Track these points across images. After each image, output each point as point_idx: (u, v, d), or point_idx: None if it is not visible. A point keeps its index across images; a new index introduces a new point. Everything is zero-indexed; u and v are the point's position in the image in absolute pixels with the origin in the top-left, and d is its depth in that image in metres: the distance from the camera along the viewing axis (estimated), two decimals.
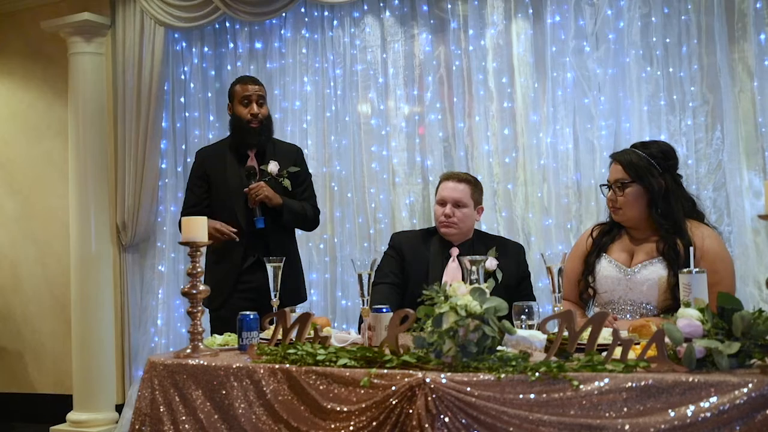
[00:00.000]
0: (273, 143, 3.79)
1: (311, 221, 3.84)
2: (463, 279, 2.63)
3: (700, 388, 1.79)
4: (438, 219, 3.34)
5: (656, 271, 2.86)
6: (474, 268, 2.35)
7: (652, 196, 2.89)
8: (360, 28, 4.63)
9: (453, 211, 3.29)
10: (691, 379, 1.81)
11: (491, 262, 3.21)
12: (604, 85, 4.07)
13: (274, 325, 2.47)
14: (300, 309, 3.58)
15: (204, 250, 2.95)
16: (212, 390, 2.30)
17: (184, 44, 5.09)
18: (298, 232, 3.98)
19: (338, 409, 2.07)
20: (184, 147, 5.08)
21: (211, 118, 5.02)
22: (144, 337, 5.06)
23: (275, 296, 2.77)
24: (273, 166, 3.68)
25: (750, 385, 1.76)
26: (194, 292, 2.52)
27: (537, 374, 1.90)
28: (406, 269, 3.33)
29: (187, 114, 5.07)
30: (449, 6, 4.43)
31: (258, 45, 4.92)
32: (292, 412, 2.15)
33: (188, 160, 4.91)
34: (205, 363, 2.35)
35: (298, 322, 2.38)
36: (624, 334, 2.22)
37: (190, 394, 2.32)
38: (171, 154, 5.10)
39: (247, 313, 2.55)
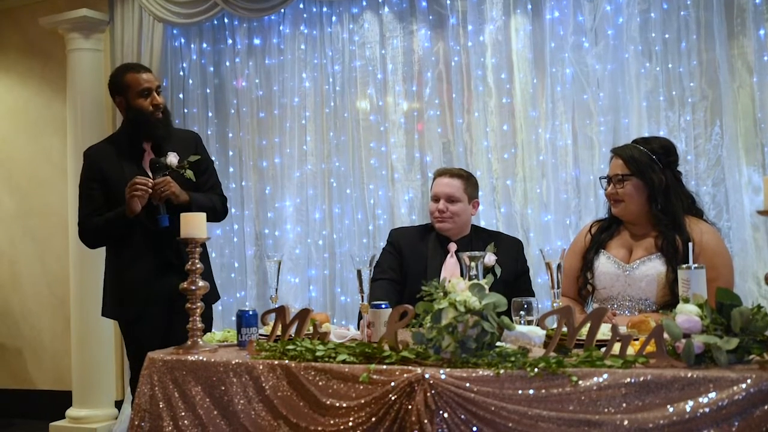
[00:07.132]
0: (169, 132, 3.39)
1: (220, 213, 3.51)
2: (461, 275, 2.63)
3: (698, 384, 1.79)
4: (432, 215, 3.38)
5: (655, 267, 2.86)
6: (473, 263, 2.35)
7: (652, 191, 2.89)
8: (358, 24, 4.63)
9: (446, 206, 3.33)
10: (689, 375, 1.81)
11: (490, 258, 3.21)
12: (603, 80, 4.06)
13: (273, 321, 2.48)
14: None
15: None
16: (211, 386, 2.30)
17: (182, 40, 5.08)
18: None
19: (337, 404, 2.07)
20: None
21: (210, 114, 5.01)
22: None
23: (275, 293, 2.77)
24: (172, 158, 3.26)
25: (749, 381, 1.76)
26: (193, 288, 2.52)
27: (536, 370, 1.91)
28: (405, 265, 3.35)
29: (185, 110, 5.05)
30: (448, 2, 4.41)
31: (256, 41, 4.90)
32: (292, 407, 2.16)
33: None
34: (204, 359, 2.35)
35: (297, 318, 2.38)
36: (623, 329, 2.22)
37: (190, 390, 2.33)
38: None
39: (246, 308, 2.56)
